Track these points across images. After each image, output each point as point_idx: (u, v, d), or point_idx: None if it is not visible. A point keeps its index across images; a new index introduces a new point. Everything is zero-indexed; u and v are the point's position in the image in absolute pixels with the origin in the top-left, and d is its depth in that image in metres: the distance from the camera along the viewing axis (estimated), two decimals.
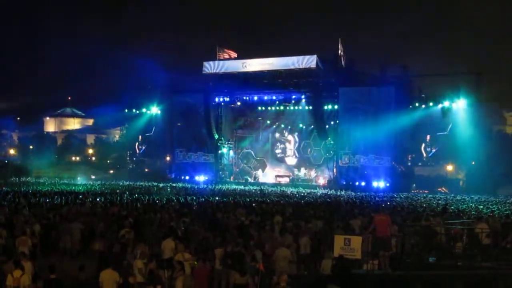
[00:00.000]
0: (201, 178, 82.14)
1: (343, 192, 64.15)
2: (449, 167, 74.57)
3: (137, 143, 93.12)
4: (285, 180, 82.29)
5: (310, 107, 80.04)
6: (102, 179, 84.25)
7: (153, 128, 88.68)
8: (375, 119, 70.21)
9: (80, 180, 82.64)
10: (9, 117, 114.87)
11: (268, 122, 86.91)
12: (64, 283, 18.42)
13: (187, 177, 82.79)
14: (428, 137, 75.07)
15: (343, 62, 74.86)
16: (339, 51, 73.90)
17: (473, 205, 47.68)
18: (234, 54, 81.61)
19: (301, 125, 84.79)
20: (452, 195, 63.15)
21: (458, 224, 26.11)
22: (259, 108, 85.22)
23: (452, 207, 41.71)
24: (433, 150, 74.69)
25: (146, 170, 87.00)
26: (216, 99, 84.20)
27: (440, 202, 49.50)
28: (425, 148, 75.38)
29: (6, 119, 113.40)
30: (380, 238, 22.06)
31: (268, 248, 22.81)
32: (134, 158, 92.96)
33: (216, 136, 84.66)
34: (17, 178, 79.93)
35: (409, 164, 76.00)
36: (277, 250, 21.84)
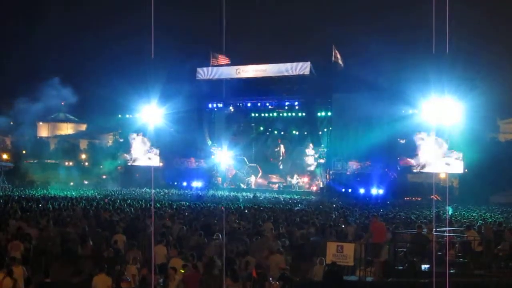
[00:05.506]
0: (194, 184, 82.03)
1: (335, 199, 64.17)
2: (442, 175, 74.21)
3: (130, 149, 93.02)
4: (278, 186, 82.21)
5: (304, 114, 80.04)
6: (94, 184, 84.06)
7: (146, 132, 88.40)
8: (368, 125, 70.18)
9: (72, 185, 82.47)
10: (3, 122, 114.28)
11: (262, 128, 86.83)
12: (57, 287, 18.41)
13: (180, 183, 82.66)
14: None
15: (341, 65, 75.00)
16: (333, 58, 73.98)
17: (465, 212, 47.77)
18: (227, 61, 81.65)
19: (294, 132, 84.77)
20: (445, 202, 63.09)
21: (451, 232, 26.15)
22: (253, 114, 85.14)
23: (445, 215, 41.74)
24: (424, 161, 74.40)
25: (137, 175, 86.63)
26: (210, 105, 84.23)
27: (433, 209, 49.50)
28: (417, 156, 75.13)
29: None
30: (373, 245, 22.13)
31: (260, 254, 22.80)
32: (127, 163, 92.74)
33: (209, 142, 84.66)
34: (9, 183, 79.72)
35: (402, 171, 75.87)
36: (271, 256, 21.84)
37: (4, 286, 17.65)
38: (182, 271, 19.49)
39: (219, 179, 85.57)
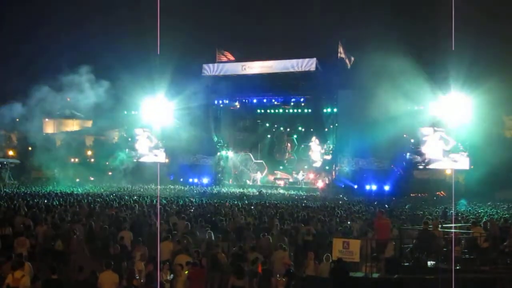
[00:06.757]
0: (199, 180, 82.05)
1: (341, 195, 64.12)
2: (448, 171, 74.20)
3: (136, 145, 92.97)
4: (283, 183, 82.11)
5: (310, 110, 79.98)
6: (100, 181, 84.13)
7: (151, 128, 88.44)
8: (374, 122, 69.90)
9: (78, 181, 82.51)
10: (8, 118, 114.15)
11: (267, 125, 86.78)
12: (63, 283, 18.41)
13: (185, 180, 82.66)
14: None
15: (349, 64, 74.81)
16: (339, 54, 73.82)
17: (471, 209, 47.70)
18: (233, 57, 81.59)
19: (300, 128, 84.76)
20: (451, 199, 62.93)
21: (457, 228, 26.11)
22: (258, 110, 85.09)
23: (451, 211, 41.71)
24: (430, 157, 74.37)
25: (144, 172, 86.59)
26: (215, 102, 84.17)
27: (439, 206, 49.51)
28: (423, 152, 74.97)
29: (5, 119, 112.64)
30: (379, 242, 22.15)
31: (266, 251, 22.81)
32: (133, 160, 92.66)
33: (215, 139, 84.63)
34: (15, 179, 79.91)
35: (408, 167, 75.67)
36: (275, 252, 21.87)
37: (22, 285, 17.65)
38: (186, 272, 19.45)
39: (225, 175, 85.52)
